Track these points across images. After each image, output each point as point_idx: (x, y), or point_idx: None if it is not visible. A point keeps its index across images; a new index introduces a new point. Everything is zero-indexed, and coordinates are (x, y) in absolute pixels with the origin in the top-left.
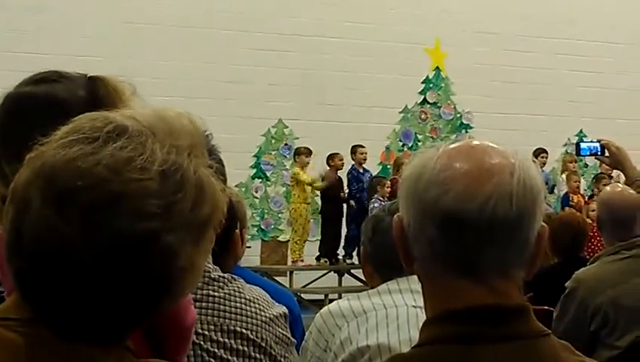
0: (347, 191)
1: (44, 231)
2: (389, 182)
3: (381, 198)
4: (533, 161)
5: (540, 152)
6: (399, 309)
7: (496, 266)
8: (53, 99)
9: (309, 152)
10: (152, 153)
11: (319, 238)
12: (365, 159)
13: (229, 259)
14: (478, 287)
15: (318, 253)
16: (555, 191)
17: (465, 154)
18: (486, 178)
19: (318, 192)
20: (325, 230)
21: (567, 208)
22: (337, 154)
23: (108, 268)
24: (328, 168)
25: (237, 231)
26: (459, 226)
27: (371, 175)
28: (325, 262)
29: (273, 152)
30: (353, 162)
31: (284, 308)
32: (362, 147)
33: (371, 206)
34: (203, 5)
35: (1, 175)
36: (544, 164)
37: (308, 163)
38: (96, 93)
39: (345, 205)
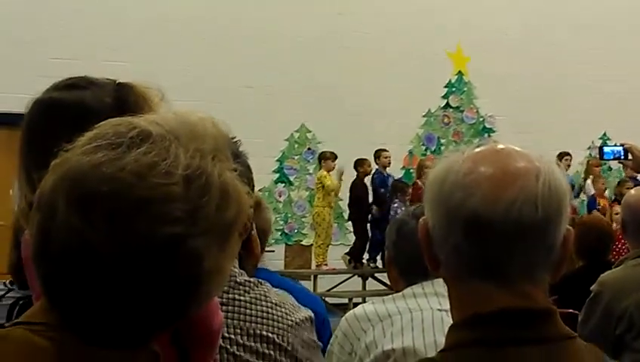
0: (372, 196)
1: (70, 237)
2: (411, 188)
3: (398, 203)
4: (558, 165)
5: (563, 155)
6: (424, 313)
7: (522, 270)
8: (81, 106)
9: (334, 157)
10: (176, 158)
11: (343, 243)
12: (390, 163)
13: (248, 261)
14: (504, 291)
15: (349, 258)
16: (581, 195)
17: (490, 158)
18: (511, 181)
19: (340, 195)
20: (355, 234)
21: (594, 211)
22: (365, 160)
23: (134, 273)
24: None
25: (254, 232)
26: (484, 230)
27: (393, 179)
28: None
29: (296, 157)
30: (377, 166)
31: (310, 311)
32: (386, 151)
33: (392, 212)
34: (227, 11)
35: (29, 182)
36: (568, 167)
37: (334, 167)
38: (125, 100)
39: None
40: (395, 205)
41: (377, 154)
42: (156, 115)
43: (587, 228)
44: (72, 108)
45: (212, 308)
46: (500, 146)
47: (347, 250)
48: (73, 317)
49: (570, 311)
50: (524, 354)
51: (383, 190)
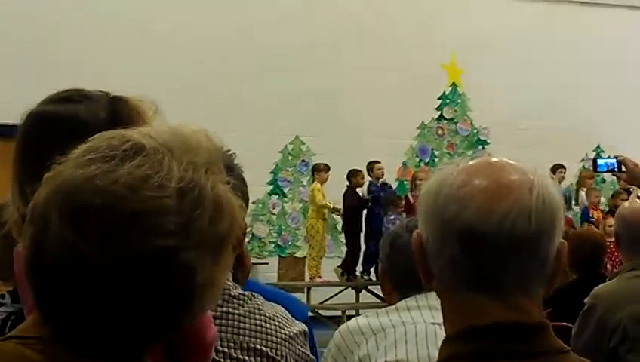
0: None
1: (63, 250)
2: (403, 201)
3: (395, 216)
4: (552, 178)
5: (557, 168)
6: (418, 326)
7: (516, 282)
8: (75, 119)
9: (327, 168)
10: (169, 171)
11: (337, 255)
12: (383, 175)
13: (239, 273)
14: (498, 304)
15: (341, 270)
16: (575, 207)
17: (484, 171)
18: (505, 194)
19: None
20: (348, 246)
21: (586, 224)
22: (360, 171)
23: (127, 286)
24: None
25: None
26: (478, 242)
27: (391, 186)
28: (344, 277)
29: (290, 169)
30: (370, 178)
31: (304, 325)
32: (378, 163)
33: (387, 224)
34: (220, 22)
35: (21, 194)
36: (562, 179)
37: (327, 179)
38: (118, 114)
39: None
40: (392, 217)
41: (370, 166)
42: (149, 128)
43: (580, 240)
44: (66, 121)
45: (205, 320)
46: (494, 159)
47: (340, 263)
48: (66, 330)
49: (564, 324)
50: None
51: (377, 201)
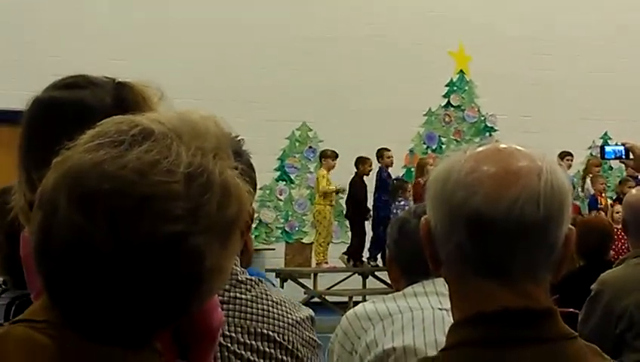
0: (375, 194)
1: (72, 235)
2: (410, 185)
3: (404, 201)
4: (559, 165)
5: (565, 155)
6: (425, 312)
7: (524, 269)
8: (80, 105)
9: (335, 155)
10: (178, 156)
11: (344, 241)
12: (392, 163)
13: (243, 257)
14: (506, 290)
15: (346, 256)
16: (581, 193)
17: (492, 157)
18: (513, 180)
19: (342, 195)
20: (353, 232)
21: (594, 211)
22: (368, 159)
23: (135, 271)
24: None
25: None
26: (486, 228)
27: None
28: (354, 265)
29: (297, 155)
30: (380, 165)
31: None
32: (388, 150)
33: (394, 210)
34: (229, 10)
35: (28, 181)
36: (569, 166)
37: (334, 166)
38: (124, 100)
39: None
40: (402, 203)
41: (380, 153)
42: (158, 114)
43: (588, 227)
44: (72, 107)
45: (212, 305)
46: (503, 145)
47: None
48: (74, 314)
49: (571, 310)
50: (525, 354)
51: (387, 188)
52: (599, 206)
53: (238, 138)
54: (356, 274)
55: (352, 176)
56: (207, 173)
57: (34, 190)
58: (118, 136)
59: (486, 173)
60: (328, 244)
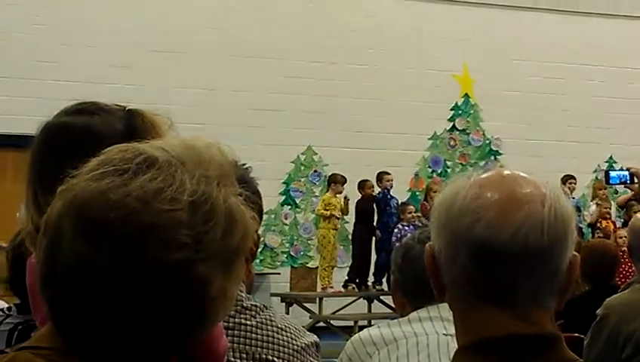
0: (376, 217)
1: (77, 262)
2: (412, 207)
3: (406, 224)
4: (562, 189)
5: (567, 178)
6: (430, 337)
7: (529, 295)
8: (90, 132)
9: (344, 180)
10: (182, 184)
11: (349, 265)
12: (392, 186)
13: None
14: (511, 316)
15: (346, 278)
16: (587, 217)
17: (496, 184)
18: (517, 207)
19: (347, 218)
20: (355, 256)
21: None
22: (367, 181)
23: (140, 299)
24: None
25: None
26: (491, 255)
27: (397, 201)
28: (353, 288)
29: (302, 179)
30: (379, 189)
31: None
32: (388, 174)
33: (396, 230)
34: (230, 33)
35: (36, 205)
36: (572, 190)
37: (342, 191)
38: (134, 127)
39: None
40: (406, 228)
41: (379, 177)
42: (162, 141)
43: (593, 251)
44: (82, 133)
45: (217, 331)
46: (507, 172)
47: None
48: (79, 341)
49: (576, 335)
50: None
51: (386, 210)
52: (599, 227)
53: (245, 166)
54: (362, 299)
55: (358, 198)
56: (211, 200)
57: (41, 214)
58: (123, 165)
59: (490, 200)
60: (332, 268)
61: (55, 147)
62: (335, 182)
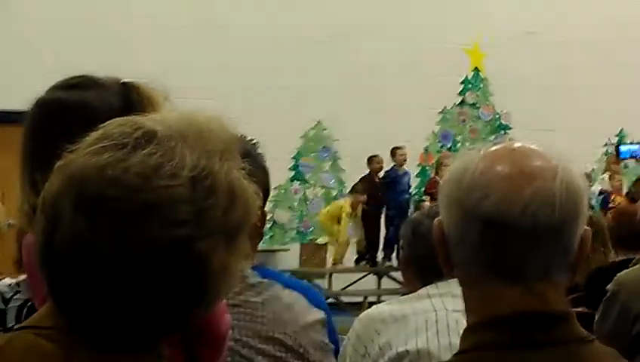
0: (386, 193)
1: (76, 241)
2: (427, 204)
3: None
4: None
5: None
6: (439, 314)
7: (539, 271)
8: (85, 106)
9: (364, 192)
10: (182, 158)
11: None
12: (405, 160)
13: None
14: (521, 293)
15: (357, 255)
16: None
17: (506, 158)
18: (527, 182)
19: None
20: (365, 232)
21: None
22: (376, 156)
23: (140, 276)
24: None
25: None
26: (500, 231)
27: (409, 177)
28: (366, 264)
29: (312, 154)
30: (393, 163)
31: (322, 313)
32: (401, 148)
33: None
34: (242, 11)
35: (31, 183)
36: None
37: (361, 202)
38: (129, 101)
39: (384, 208)
40: None
41: (393, 151)
42: (162, 115)
43: (628, 216)
44: (76, 108)
45: (220, 309)
46: (517, 145)
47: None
48: (80, 320)
49: (581, 309)
50: (541, 357)
51: (395, 188)
52: (610, 205)
53: (253, 141)
54: (371, 274)
55: (365, 174)
56: (212, 175)
57: (38, 193)
58: (122, 139)
59: (499, 175)
60: (348, 245)
61: (49, 124)
62: (356, 192)
